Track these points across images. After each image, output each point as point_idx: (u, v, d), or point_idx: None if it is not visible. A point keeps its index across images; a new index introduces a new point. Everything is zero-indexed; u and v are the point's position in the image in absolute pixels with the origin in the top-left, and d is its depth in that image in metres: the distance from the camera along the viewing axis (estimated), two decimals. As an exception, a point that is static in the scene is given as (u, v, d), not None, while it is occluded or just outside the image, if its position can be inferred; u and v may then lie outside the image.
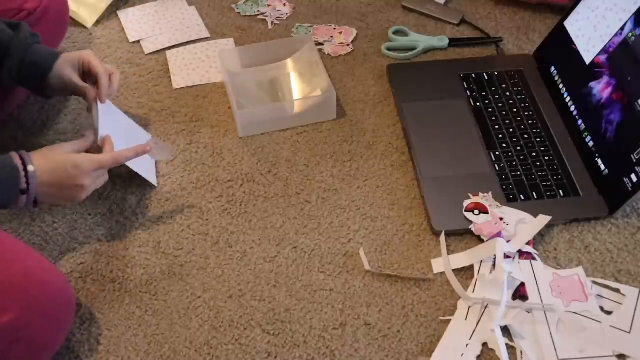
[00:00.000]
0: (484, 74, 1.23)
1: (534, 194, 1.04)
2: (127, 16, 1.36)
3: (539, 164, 1.08)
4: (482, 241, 0.99)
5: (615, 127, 1.03)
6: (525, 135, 1.12)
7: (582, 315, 0.91)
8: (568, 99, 1.15)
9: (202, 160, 1.11)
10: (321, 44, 1.31)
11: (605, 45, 1.07)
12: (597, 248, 1.00)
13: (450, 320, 0.91)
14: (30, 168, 0.85)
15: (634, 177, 0.98)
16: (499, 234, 0.98)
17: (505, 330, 0.90)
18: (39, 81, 0.98)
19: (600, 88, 1.07)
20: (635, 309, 0.91)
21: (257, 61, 1.23)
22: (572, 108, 1.13)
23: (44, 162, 0.87)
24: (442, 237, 0.99)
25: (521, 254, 0.97)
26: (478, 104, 1.18)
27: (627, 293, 0.93)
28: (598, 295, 0.93)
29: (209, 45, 1.31)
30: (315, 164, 1.11)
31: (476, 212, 1.01)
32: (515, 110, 1.16)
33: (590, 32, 1.11)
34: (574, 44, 1.15)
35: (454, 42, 1.31)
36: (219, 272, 0.97)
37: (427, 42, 1.30)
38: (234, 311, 0.93)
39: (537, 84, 1.21)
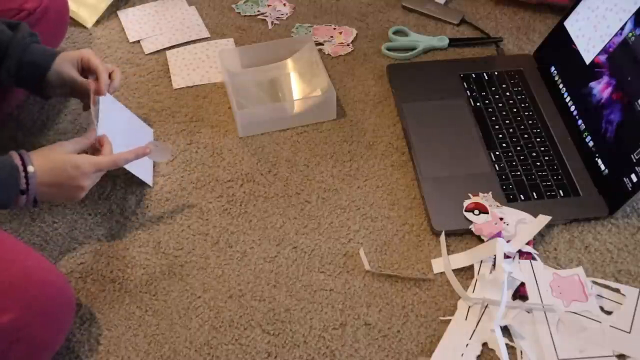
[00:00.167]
0: (484, 74, 1.23)
1: (534, 194, 1.04)
2: (127, 16, 1.36)
3: (539, 164, 1.08)
4: (482, 241, 0.99)
5: (615, 127, 1.03)
6: (525, 135, 1.12)
7: (582, 315, 0.91)
8: (568, 99, 1.15)
9: (202, 160, 1.11)
10: (321, 44, 1.31)
11: (605, 45, 1.07)
12: (597, 248, 1.00)
13: (450, 320, 0.91)
14: (30, 169, 0.85)
15: (634, 177, 0.98)
16: (499, 234, 0.98)
17: (505, 330, 0.90)
18: (37, 80, 0.98)
19: (600, 88, 1.07)
20: (635, 309, 0.91)
21: (257, 61, 1.23)
22: (572, 108, 1.13)
23: (44, 162, 0.87)
24: (442, 237, 0.99)
25: (521, 254, 0.97)
26: (478, 104, 1.18)
27: (627, 293, 0.93)
28: (598, 295, 0.93)
29: (209, 45, 1.31)
30: (315, 164, 1.11)
31: (476, 212, 1.01)
32: (515, 110, 1.16)
33: (590, 32, 1.11)
34: (574, 44, 1.15)
35: (454, 42, 1.31)
36: (219, 272, 0.97)
37: (427, 42, 1.30)
38: (234, 311, 0.93)
39: (537, 84, 1.21)
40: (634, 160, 0.98)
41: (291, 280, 0.96)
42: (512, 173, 1.07)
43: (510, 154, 1.10)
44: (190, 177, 1.09)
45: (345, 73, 1.26)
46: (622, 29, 1.05)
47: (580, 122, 1.11)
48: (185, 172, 1.09)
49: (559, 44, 1.19)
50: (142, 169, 1.05)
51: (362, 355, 0.89)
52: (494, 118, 1.15)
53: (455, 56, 1.30)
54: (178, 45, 1.31)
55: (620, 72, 1.04)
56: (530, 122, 1.14)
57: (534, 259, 0.97)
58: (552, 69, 1.20)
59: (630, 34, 1.03)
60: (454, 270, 0.96)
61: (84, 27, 1.34)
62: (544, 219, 0.99)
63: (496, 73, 1.23)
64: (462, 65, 1.25)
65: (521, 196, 1.04)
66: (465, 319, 0.91)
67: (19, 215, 1.03)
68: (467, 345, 0.89)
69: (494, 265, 0.95)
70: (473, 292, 0.94)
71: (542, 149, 1.10)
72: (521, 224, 1.00)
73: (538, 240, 1.00)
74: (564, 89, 1.16)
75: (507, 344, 0.88)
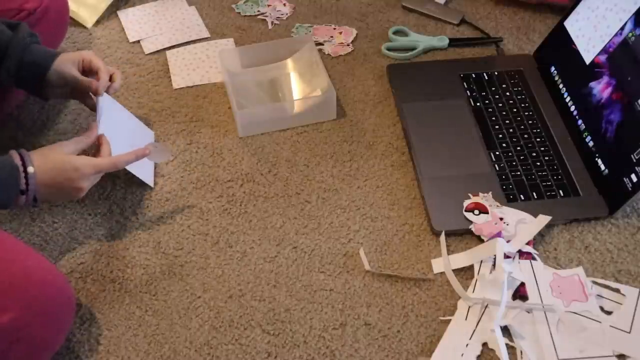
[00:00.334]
0: (484, 74, 1.23)
1: (534, 194, 1.04)
2: (127, 16, 1.36)
3: (539, 164, 1.08)
4: (482, 241, 0.99)
5: (615, 127, 1.03)
6: (525, 135, 1.12)
7: (582, 315, 0.91)
8: (568, 99, 1.15)
9: (202, 160, 1.11)
10: (321, 44, 1.31)
11: (605, 45, 1.07)
12: (597, 248, 1.00)
13: (450, 320, 0.91)
14: (30, 169, 0.85)
15: (634, 177, 0.98)
16: (499, 234, 0.98)
17: (505, 330, 0.90)
18: (37, 81, 0.98)
19: (600, 88, 1.07)
20: (635, 309, 0.91)
21: (257, 61, 1.23)
22: (572, 108, 1.13)
23: (44, 163, 0.87)
24: (442, 237, 0.99)
25: (521, 254, 0.97)
26: (478, 104, 1.18)
27: (627, 293, 0.93)
28: (598, 295, 0.93)
29: (209, 45, 1.31)
30: (315, 164, 1.11)
31: (476, 212, 1.01)
32: (515, 110, 1.16)
33: (590, 32, 1.11)
34: (574, 44, 1.15)
35: (454, 42, 1.31)
36: (219, 272, 0.97)
37: (427, 42, 1.30)
38: (234, 311, 0.93)
39: (537, 84, 1.21)
40: (634, 160, 0.98)
41: (291, 280, 0.96)
42: (512, 173, 1.07)
43: (510, 154, 1.10)
44: (190, 177, 1.09)
45: (345, 73, 1.26)
46: (622, 29, 1.05)
47: (580, 122, 1.11)
48: (185, 172, 1.09)
49: (559, 44, 1.19)
50: (143, 170, 1.05)
51: (362, 355, 0.89)
52: (494, 118, 1.15)
53: (455, 56, 1.30)
54: (178, 45, 1.31)
55: (620, 72, 1.04)
56: (530, 122, 1.14)
57: (534, 259, 0.97)
58: (552, 69, 1.20)
59: (630, 34, 1.03)
60: (454, 270, 0.96)
61: (84, 27, 1.34)
62: (544, 219, 0.99)
63: (496, 73, 1.23)
64: (462, 65, 1.25)
65: (521, 196, 1.04)
66: (465, 319, 0.91)
67: (19, 215, 1.03)
68: (467, 345, 0.89)
69: (494, 265, 0.95)
70: (473, 292, 0.94)
71: (542, 149, 1.10)
72: (521, 224, 1.00)
73: (538, 240, 1.00)
74: (564, 89, 1.16)
75: (507, 344, 0.88)
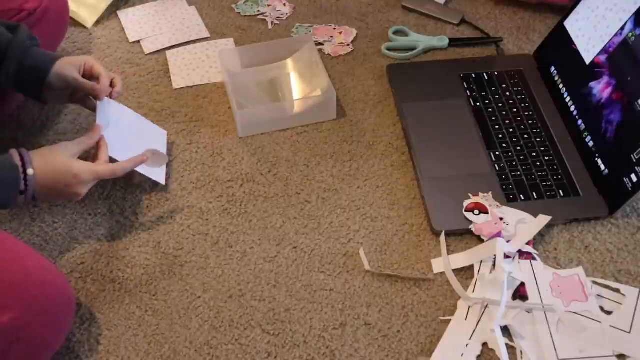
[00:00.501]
0: (484, 74, 1.23)
1: (534, 194, 1.04)
2: (127, 16, 1.36)
3: (539, 164, 1.08)
4: (482, 241, 0.99)
5: (615, 127, 1.03)
6: (525, 135, 1.12)
7: (582, 315, 0.91)
8: (568, 99, 1.15)
9: (202, 160, 1.11)
10: (321, 44, 1.31)
11: (605, 45, 1.07)
12: (597, 248, 1.00)
13: (450, 320, 0.91)
14: (30, 171, 0.86)
15: (634, 177, 0.98)
16: (499, 234, 0.98)
17: (505, 330, 0.90)
18: (38, 84, 0.98)
19: (600, 88, 1.07)
20: (635, 309, 0.91)
21: (257, 61, 1.23)
22: (572, 108, 1.13)
23: (44, 165, 0.87)
24: (442, 237, 0.99)
25: (521, 254, 0.97)
26: (478, 104, 1.18)
27: (627, 293, 0.93)
28: (598, 295, 0.93)
29: (209, 45, 1.31)
30: (315, 164, 1.11)
31: (476, 212, 1.01)
32: (515, 110, 1.16)
33: (590, 32, 1.11)
34: (574, 44, 1.15)
35: (454, 42, 1.31)
36: (219, 272, 0.97)
37: (427, 42, 1.30)
38: (234, 311, 0.93)
39: (537, 84, 1.21)
40: (634, 160, 0.98)
41: (291, 280, 0.96)
42: (512, 173, 1.07)
43: (510, 154, 1.10)
44: (190, 177, 1.09)
45: (345, 73, 1.26)
46: (622, 29, 1.05)
47: (580, 122, 1.11)
48: (185, 172, 1.09)
49: (559, 44, 1.19)
50: (153, 171, 1.04)
51: (362, 355, 0.89)
52: (494, 118, 1.15)
53: (455, 56, 1.30)
54: (178, 45, 1.31)
55: (620, 72, 1.04)
56: (530, 122, 1.14)
57: (534, 259, 0.97)
58: (552, 69, 1.20)
59: (630, 34, 1.03)
60: (454, 270, 0.96)
61: (84, 27, 1.34)
62: (544, 219, 0.99)
63: (496, 73, 1.23)
64: (462, 65, 1.25)
65: (521, 196, 1.04)
66: (465, 319, 0.91)
67: (19, 215, 1.03)
68: (467, 345, 0.89)
69: (494, 265, 0.95)
70: (473, 292, 0.94)
71: (542, 149, 1.10)
72: (521, 224, 1.00)
73: (538, 240, 1.00)
74: (564, 89, 1.16)
75: (507, 344, 0.88)
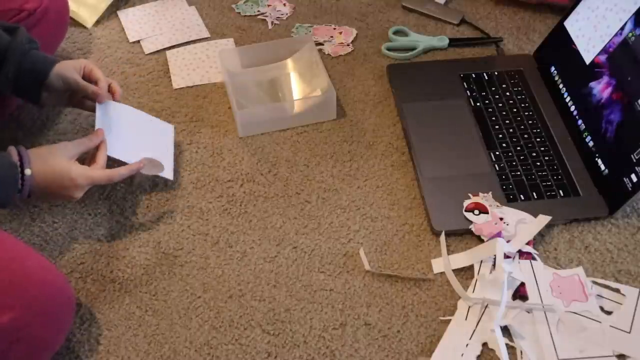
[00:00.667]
0: (484, 74, 1.23)
1: (534, 194, 1.04)
2: (127, 16, 1.36)
3: (539, 164, 1.08)
4: (482, 241, 0.99)
5: (615, 127, 1.03)
6: (525, 135, 1.12)
7: (582, 315, 0.91)
8: (568, 99, 1.15)
9: (202, 160, 1.11)
10: (321, 44, 1.31)
11: (605, 45, 1.07)
12: (597, 248, 1.00)
13: (450, 320, 0.91)
14: (28, 172, 0.86)
15: (634, 177, 0.98)
16: (499, 234, 0.98)
17: (505, 330, 0.90)
18: (37, 87, 0.98)
19: (600, 88, 1.07)
20: (635, 309, 0.91)
21: (257, 61, 1.23)
22: (572, 108, 1.13)
23: (42, 165, 0.87)
24: (442, 237, 0.99)
25: (521, 254, 0.97)
26: (478, 104, 1.18)
27: (627, 293, 0.93)
28: (598, 295, 0.93)
29: (209, 45, 1.31)
30: (315, 164, 1.11)
31: (476, 212, 1.01)
32: (515, 110, 1.16)
33: (590, 32, 1.11)
34: (574, 44, 1.15)
35: (454, 42, 1.31)
36: (219, 272, 0.97)
37: (427, 42, 1.30)
38: (234, 311, 0.93)
39: (537, 84, 1.21)
40: (634, 160, 0.98)
41: (291, 280, 0.96)
42: (512, 173, 1.07)
43: (510, 154, 1.10)
44: (190, 177, 1.09)
45: (345, 73, 1.26)
46: (622, 29, 1.05)
47: (580, 122, 1.11)
48: (185, 172, 1.09)
49: (559, 44, 1.19)
50: (164, 166, 1.04)
51: (362, 355, 0.89)
52: (494, 118, 1.15)
53: (455, 56, 1.30)
54: (178, 45, 1.31)
55: (620, 72, 1.04)
56: (530, 122, 1.14)
57: (534, 259, 0.97)
58: (552, 69, 1.20)
59: (630, 34, 1.03)
60: (454, 270, 0.96)
61: (84, 27, 1.34)
62: (544, 219, 0.99)
63: (496, 73, 1.23)
64: (462, 65, 1.25)
65: (521, 196, 1.04)
66: (465, 319, 0.91)
67: (19, 215, 1.03)
68: (467, 345, 0.89)
69: (494, 265, 0.95)
70: (473, 292, 0.94)
71: (542, 149, 1.10)
72: (521, 224, 1.00)
73: (538, 240, 1.00)
74: (564, 89, 1.16)
75: (507, 344, 0.88)
